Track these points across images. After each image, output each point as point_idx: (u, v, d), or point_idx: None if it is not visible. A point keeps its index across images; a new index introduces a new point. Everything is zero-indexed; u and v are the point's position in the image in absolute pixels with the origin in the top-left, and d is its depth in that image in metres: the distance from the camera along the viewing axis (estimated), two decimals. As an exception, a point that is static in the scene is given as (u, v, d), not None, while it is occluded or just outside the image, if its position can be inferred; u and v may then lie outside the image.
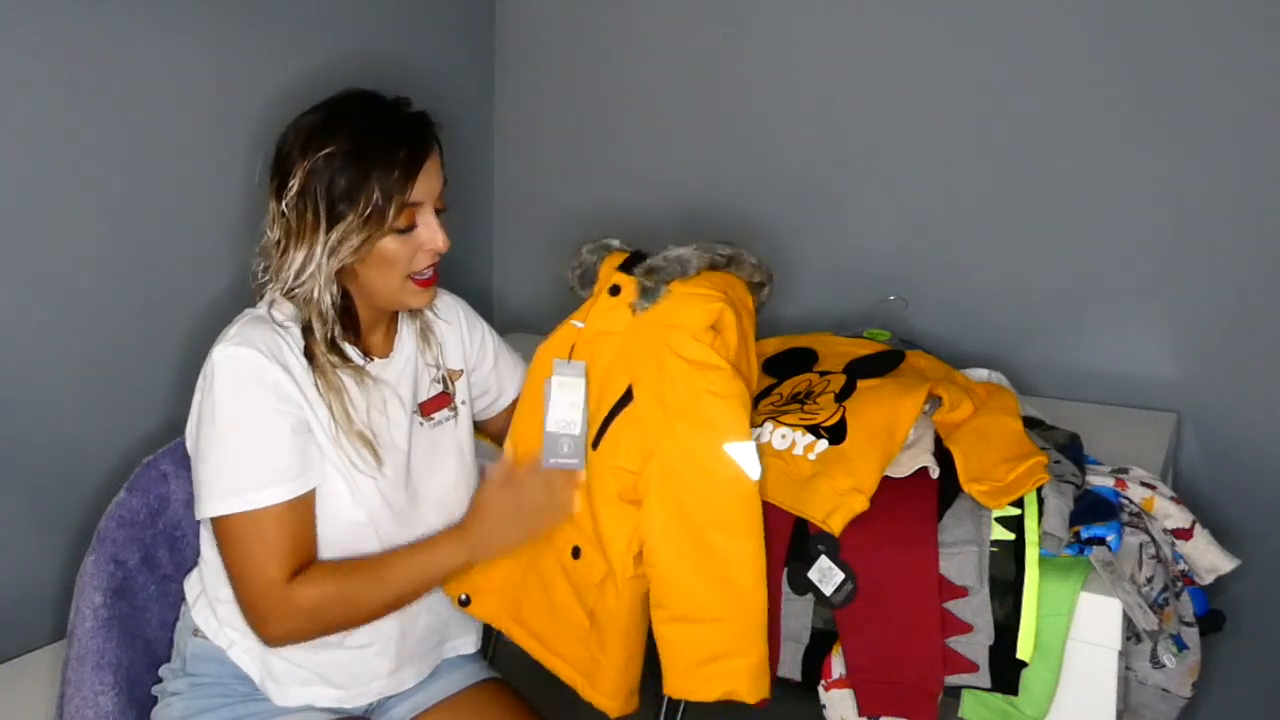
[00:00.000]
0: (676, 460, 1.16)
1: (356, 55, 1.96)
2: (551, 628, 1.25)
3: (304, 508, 1.14)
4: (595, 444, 1.22)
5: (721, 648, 1.14)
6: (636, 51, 2.17)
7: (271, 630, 1.13)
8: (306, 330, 1.17)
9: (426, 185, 1.17)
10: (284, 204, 1.14)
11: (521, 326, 2.37)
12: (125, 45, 1.57)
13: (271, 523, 1.11)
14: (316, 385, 1.16)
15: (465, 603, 1.28)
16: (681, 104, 2.12)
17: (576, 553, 1.22)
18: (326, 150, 1.13)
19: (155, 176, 1.64)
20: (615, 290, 1.26)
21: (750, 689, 1.14)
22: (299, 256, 1.14)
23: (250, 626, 1.14)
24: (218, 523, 1.13)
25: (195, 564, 1.27)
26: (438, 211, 1.20)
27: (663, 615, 1.16)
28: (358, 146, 1.13)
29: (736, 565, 1.14)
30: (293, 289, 1.16)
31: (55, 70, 1.49)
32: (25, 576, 1.51)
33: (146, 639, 1.27)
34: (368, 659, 1.23)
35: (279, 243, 1.17)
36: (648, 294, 1.23)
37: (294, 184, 1.14)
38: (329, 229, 1.13)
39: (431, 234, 1.18)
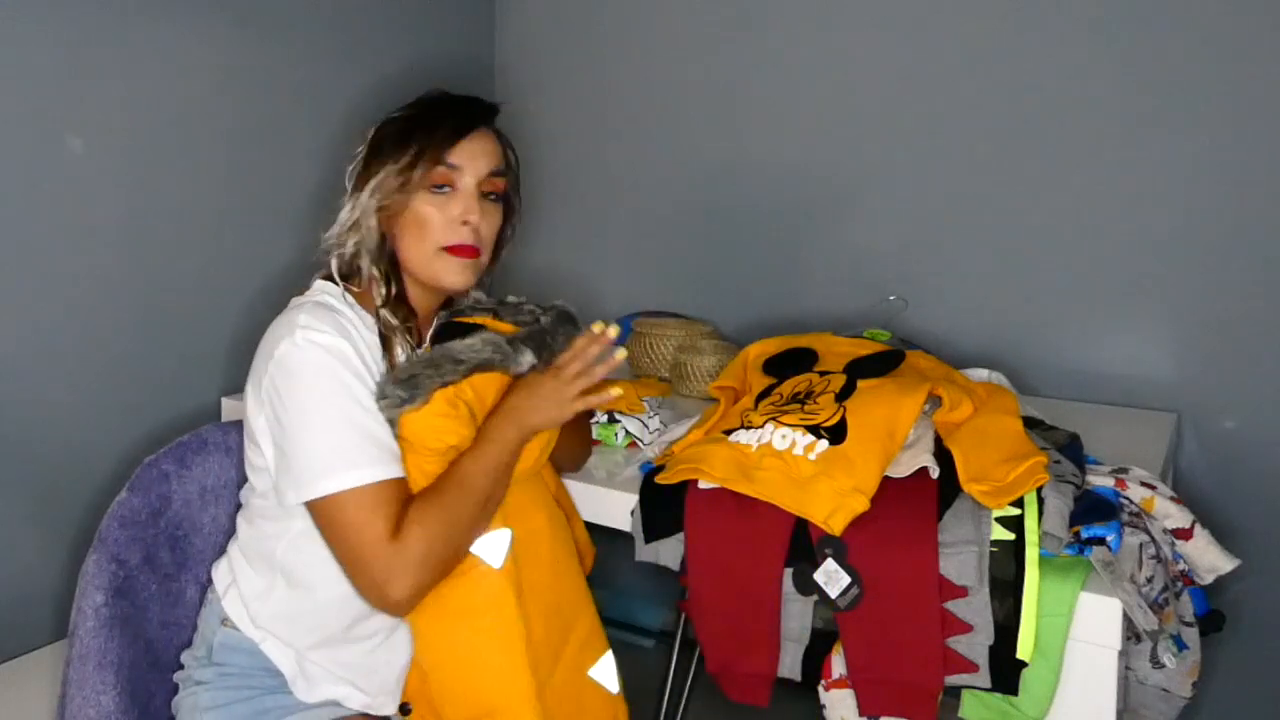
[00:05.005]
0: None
1: (357, 56, 1.96)
2: None
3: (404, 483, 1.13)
4: None
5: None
6: (637, 53, 2.18)
7: (394, 593, 1.08)
8: (380, 308, 1.20)
9: (469, 153, 1.20)
10: (350, 169, 1.22)
11: (522, 326, 2.37)
12: (125, 48, 1.58)
13: (388, 492, 1.09)
14: (380, 360, 1.19)
15: (405, 711, 1.26)
16: (681, 104, 2.13)
17: (405, 710, 1.24)
18: (392, 117, 1.23)
19: (156, 183, 1.65)
20: None
21: None
22: (348, 204, 1.21)
23: (372, 604, 1.10)
24: (320, 503, 1.09)
25: (214, 557, 1.29)
26: (487, 194, 1.22)
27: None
28: (415, 115, 1.22)
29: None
30: (342, 240, 1.20)
31: (65, 71, 1.49)
32: (27, 576, 1.51)
33: (148, 638, 1.27)
34: (397, 669, 1.24)
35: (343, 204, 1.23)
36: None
37: (362, 149, 1.23)
38: (374, 175, 1.19)
39: (465, 203, 1.20)
